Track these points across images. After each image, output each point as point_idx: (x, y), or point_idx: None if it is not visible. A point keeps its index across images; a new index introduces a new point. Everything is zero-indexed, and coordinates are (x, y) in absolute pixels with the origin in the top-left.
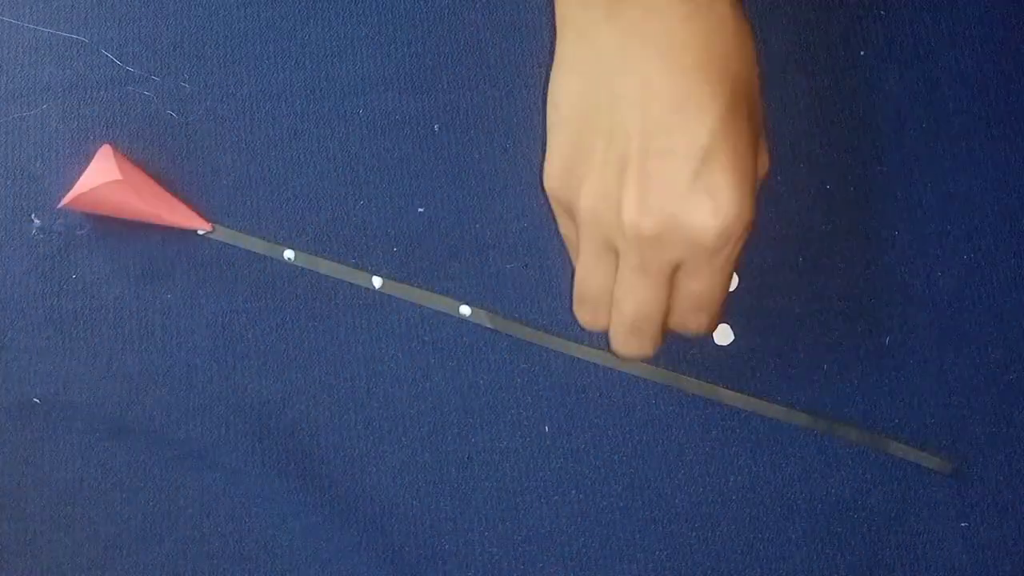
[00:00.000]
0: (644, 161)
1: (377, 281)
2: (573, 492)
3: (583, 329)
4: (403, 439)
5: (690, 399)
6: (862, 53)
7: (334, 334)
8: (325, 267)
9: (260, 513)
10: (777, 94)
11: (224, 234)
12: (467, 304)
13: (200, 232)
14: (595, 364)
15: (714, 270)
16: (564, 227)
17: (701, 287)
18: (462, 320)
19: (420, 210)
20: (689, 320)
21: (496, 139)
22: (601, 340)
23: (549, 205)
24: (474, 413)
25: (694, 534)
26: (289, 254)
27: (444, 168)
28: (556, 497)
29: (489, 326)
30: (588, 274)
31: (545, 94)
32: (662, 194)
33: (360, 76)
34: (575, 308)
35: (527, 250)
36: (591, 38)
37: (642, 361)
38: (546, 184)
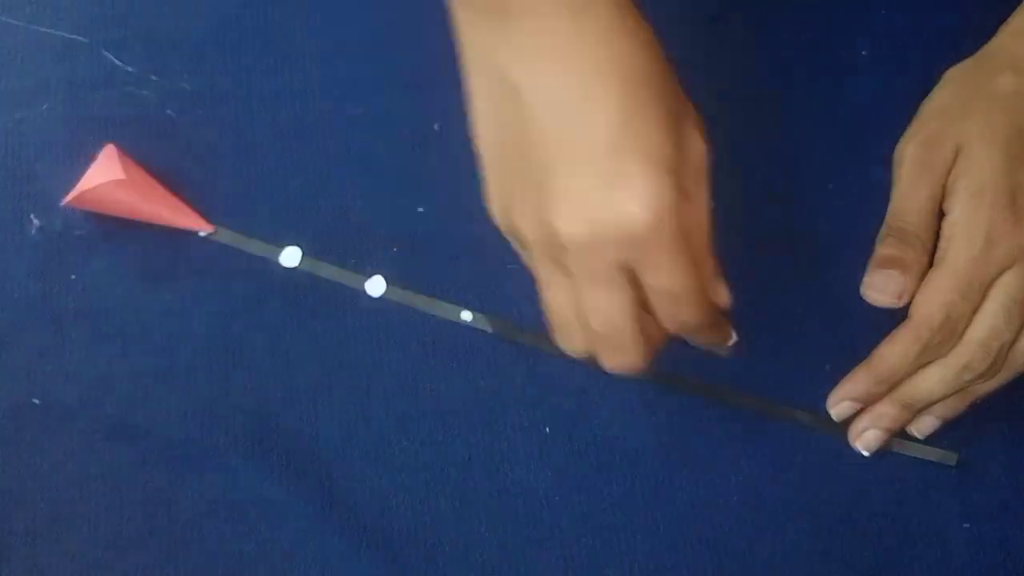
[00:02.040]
0: (558, 170)
1: (379, 287)
2: (573, 493)
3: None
4: (403, 441)
5: (690, 399)
6: (863, 53)
7: (335, 335)
8: (326, 271)
9: (260, 514)
10: (777, 94)
11: (225, 236)
12: (468, 309)
13: (201, 234)
14: (595, 365)
15: (666, 261)
16: (523, 256)
17: (662, 281)
18: (462, 323)
19: (420, 210)
20: (674, 316)
21: None
22: None
23: None
24: (474, 415)
25: (694, 534)
26: (292, 261)
27: (444, 168)
28: (556, 498)
29: (489, 331)
30: (553, 298)
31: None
32: (582, 198)
33: (360, 76)
34: (555, 337)
35: None
36: (490, 65)
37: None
38: (493, 219)
